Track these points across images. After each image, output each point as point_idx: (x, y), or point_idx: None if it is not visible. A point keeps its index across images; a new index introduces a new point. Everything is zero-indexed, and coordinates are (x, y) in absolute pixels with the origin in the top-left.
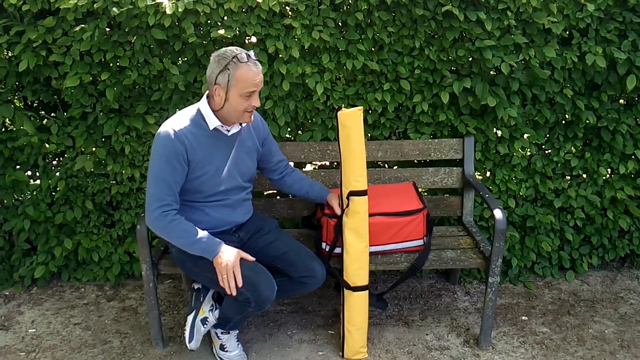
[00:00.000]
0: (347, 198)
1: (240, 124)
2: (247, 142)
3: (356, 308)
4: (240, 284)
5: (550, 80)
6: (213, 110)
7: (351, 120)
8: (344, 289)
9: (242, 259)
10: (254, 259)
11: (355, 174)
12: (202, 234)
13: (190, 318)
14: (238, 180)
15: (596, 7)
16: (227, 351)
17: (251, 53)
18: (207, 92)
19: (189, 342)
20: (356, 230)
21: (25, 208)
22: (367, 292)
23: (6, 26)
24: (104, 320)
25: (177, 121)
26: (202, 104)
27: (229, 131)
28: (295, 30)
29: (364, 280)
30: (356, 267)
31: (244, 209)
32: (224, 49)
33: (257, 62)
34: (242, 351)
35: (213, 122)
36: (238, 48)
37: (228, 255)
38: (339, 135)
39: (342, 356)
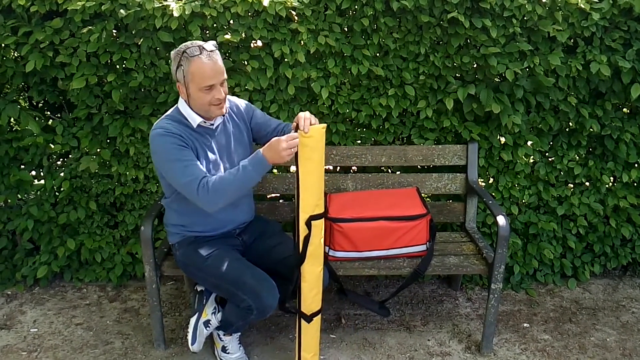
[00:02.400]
0: (308, 224)
1: (223, 115)
2: (234, 130)
3: (311, 334)
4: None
5: (555, 88)
6: (191, 108)
7: (314, 140)
8: (301, 320)
9: (241, 262)
10: None
11: (315, 199)
12: (241, 166)
13: (192, 320)
14: None
15: (601, 16)
16: (228, 353)
17: (207, 44)
18: None
19: (192, 344)
20: (314, 254)
21: (29, 208)
22: (320, 315)
23: (14, 27)
24: (105, 321)
25: (164, 123)
26: (180, 104)
27: (213, 125)
28: (301, 34)
29: (318, 304)
30: (313, 294)
31: (246, 206)
32: (182, 44)
33: (211, 53)
34: (243, 354)
35: (195, 119)
36: (195, 42)
37: (274, 152)
38: (298, 156)
39: None
